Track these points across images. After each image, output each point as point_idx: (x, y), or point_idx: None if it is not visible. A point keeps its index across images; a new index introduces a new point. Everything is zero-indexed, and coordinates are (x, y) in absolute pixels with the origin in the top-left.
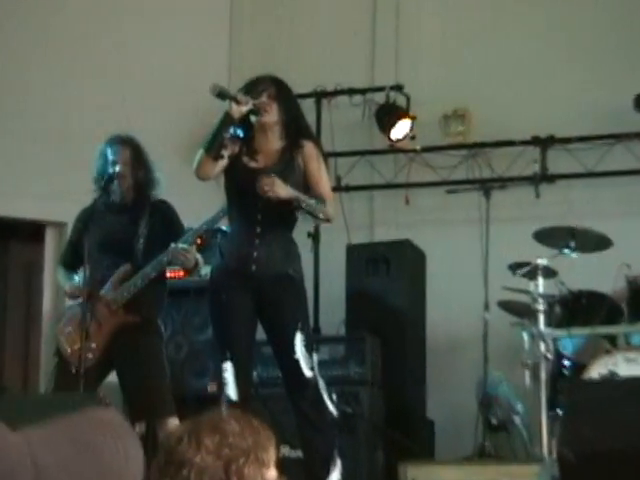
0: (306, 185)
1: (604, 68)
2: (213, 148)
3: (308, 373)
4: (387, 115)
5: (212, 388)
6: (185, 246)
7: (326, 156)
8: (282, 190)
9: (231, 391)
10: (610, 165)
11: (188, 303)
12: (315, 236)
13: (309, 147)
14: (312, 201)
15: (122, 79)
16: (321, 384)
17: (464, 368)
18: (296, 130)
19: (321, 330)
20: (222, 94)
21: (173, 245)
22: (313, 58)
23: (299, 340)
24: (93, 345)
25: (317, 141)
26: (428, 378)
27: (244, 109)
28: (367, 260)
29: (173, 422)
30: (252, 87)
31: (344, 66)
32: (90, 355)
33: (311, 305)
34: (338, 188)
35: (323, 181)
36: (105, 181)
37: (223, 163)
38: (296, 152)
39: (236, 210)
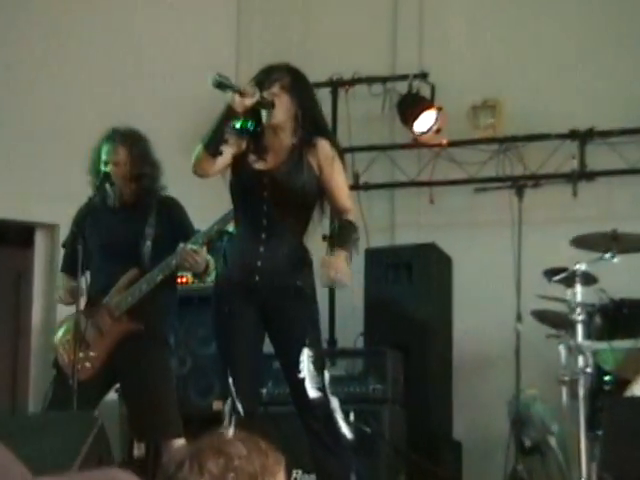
0: (320, 188)
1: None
2: (212, 144)
3: (313, 394)
4: (410, 106)
5: (218, 406)
6: (195, 247)
7: (343, 153)
8: (347, 274)
9: (239, 407)
10: None
11: (192, 313)
12: (331, 239)
13: (323, 146)
14: (353, 243)
15: (123, 71)
16: (334, 403)
17: (494, 385)
18: (310, 127)
19: (337, 343)
20: (222, 85)
21: (182, 245)
22: (329, 43)
23: (306, 357)
24: (93, 354)
25: (333, 139)
26: (454, 396)
27: (248, 102)
28: (388, 266)
29: (179, 444)
30: (265, 76)
31: (363, 52)
32: (88, 364)
33: (327, 316)
34: (356, 186)
35: (342, 190)
36: (99, 181)
37: (224, 160)
38: (308, 151)
39: (240, 214)
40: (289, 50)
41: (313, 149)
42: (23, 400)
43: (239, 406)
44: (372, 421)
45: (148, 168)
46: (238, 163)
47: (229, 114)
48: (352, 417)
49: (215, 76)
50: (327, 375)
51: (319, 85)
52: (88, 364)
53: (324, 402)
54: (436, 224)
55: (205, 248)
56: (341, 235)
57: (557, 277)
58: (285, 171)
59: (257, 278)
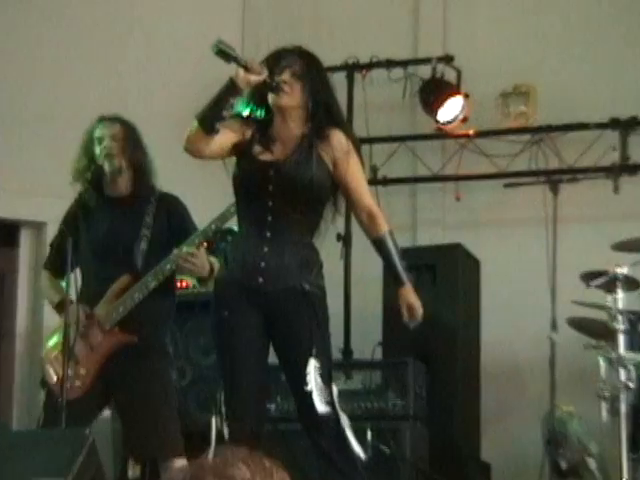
0: (333, 184)
1: None
2: (207, 119)
3: (322, 408)
4: (433, 93)
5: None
6: (191, 249)
7: (359, 145)
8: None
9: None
10: None
11: (192, 320)
12: (346, 239)
13: (338, 138)
14: (401, 260)
15: (117, 62)
16: (344, 420)
17: (526, 400)
18: (323, 116)
19: (353, 353)
20: (224, 53)
21: (176, 249)
22: (344, 23)
23: (313, 368)
24: (82, 371)
25: (348, 130)
26: (482, 412)
27: (253, 79)
28: (409, 268)
29: (180, 464)
30: (275, 61)
31: (381, 33)
32: (78, 383)
33: (342, 324)
34: (374, 181)
35: (363, 187)
36: (92, 170)
37: (221, 143)
38: (319, 142)
39: (243, 209)
40: (300, 30)
41: (326, 141)
42: (6, 410)
43: (225, 429)
44: (391, 440)
45: (143, 153)
46: (241, 154)
47: (230, 89)
48: (369, 436)
49: (217, 42)
50: (335, 389)
51: (333, 69)
52: (78, 382)
53: (333, 418)
54: (462, 223)
55: (203, 249)
56: (400, 259)
57: (596, 281)
58: (293, 162)
59: (260, 280)
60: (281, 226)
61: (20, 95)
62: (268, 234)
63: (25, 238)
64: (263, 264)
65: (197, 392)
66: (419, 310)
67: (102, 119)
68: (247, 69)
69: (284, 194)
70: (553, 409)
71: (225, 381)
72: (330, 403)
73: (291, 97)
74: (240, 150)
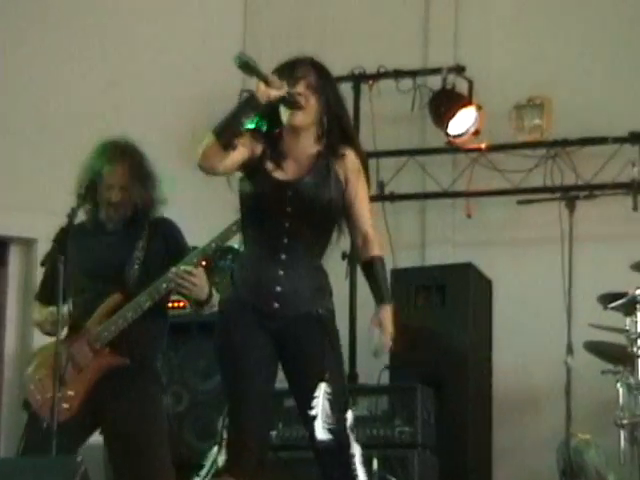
0: (344, 204)
1: None
2: (225, 133)
3: (322, 435)
4: (444, 104)
5: None
6: (188, 268)
7: (367, 164)
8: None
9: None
10: None
11: (189, 343)
12: (352, 258)
13: (351, 157)
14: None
15: (113, 73)
16: (355, 449)
17: (541, 428)
18: (338, 133)
19: (358, 378)
20: (249, 67)
21: (174, 268)
22: (351, 31)
23: (322, 393)
24: (70, 393)
25: (358, 145)
26: (495, 440)
27: (273, 94)
28: (417, 288)
29: None
30: (288, 71)
31: (390, 42)
32: (66, 405)
33: (347, 347)
34: (381, 197)
35: (366, 210)
36: (93, 205)
37: (235, 159)
38: (335, 162)
39: (255, 229)
40: (304, 39)
41: (340, 160)
42: None
43: (221, 457)
44: (399, 469)
45: (147, 190)
46: (254, 171)
47: (250, 104)
48: (375, 464)
49: (239, 55)
50: (350, 416)
51: (339, 79)
52: (65, 405)
53: (336, 446)
54: (473, 241)
55: (202, 269)
56: (385, 282)
57: (614, 303)
58: (311, 183)
59: (276, 305)
60: (296, 248)
61: (11, 109)
62: (283, 256)
63: (14, 255)
64: (279, 288)
65: (194, 419)
66: (389, 334)
67: (109, 158)
68: (267, 83)
69: (302, 215)
70: (569, 437)
71: (230, 405)
72: (335, 431)
73: (307, 114)
74: (250, 166)
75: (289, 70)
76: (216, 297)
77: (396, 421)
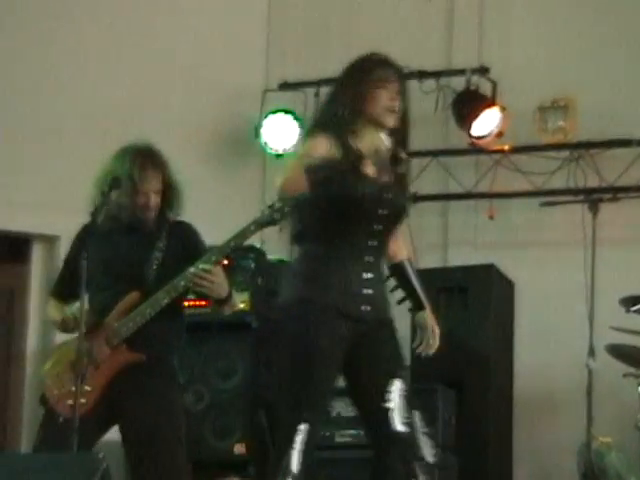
0: None
1: None
2: (318, 175)
3: (400, 427)
4: (467, 105)
5: (239, 449)
6: (206, 266)
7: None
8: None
9: (295, 461)
10: None
11: (211, 342)
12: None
13: (407, 162)
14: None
15: (136, 65)
16: (419, 450)
17: (562, 430)
18: (403, 136)
19: None
20: None
21: (192, 267)
22: (373, 31)
23: (397, 389)
24: (87, 388)
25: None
26: (515, 442)
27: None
28: (439, 290)
29: None
30: (399, 81)
31: (414, 42)
32: (83, 400)
33: None
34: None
35: None
36: (117, 206)
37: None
38: (399, 164)
39: (339, 230)
40: (329, 40)
41: (404, 163)
42: (15, 437)
43: (300, 460)
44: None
45: (171, 195)
46: (344, 172)
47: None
48: None
49: None
50: (419, 417)
51: None
52: (82, 400)
53: (409, 440)
54: (496, 243)
55: (220, 268)
56: (420, 283)
57: (637, 306)
58: (398, 185)
59: (367, 308)
60: (379, 251)
61: (32, 108)
62: (370, 259)
63: (37, 253)
64: (369, 291)
65: (214, 418)
66: (438, 336)
67: (143, 163)
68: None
69: (391, 219)
70: (590, 440)
71: (296, 409)
72: (410, 425)
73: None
74: (346, 163)
75: (399, 79)
76: (237, 296)
77: None
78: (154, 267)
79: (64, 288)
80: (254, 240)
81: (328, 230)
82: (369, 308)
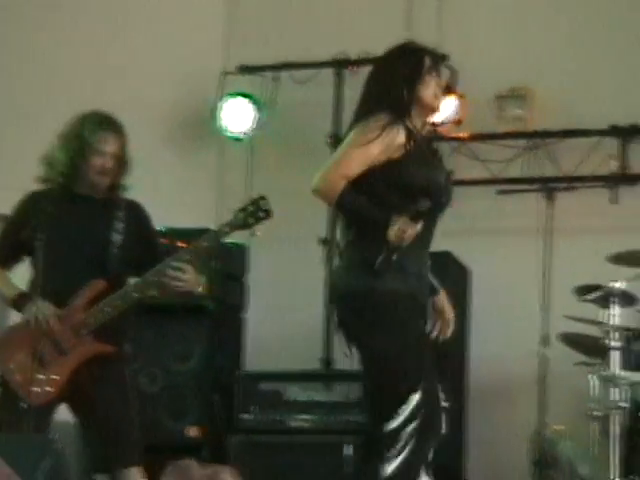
0: None
1: None
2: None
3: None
4: None
5: (193, 432)
6: (180, 265)
7: None
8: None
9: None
10: None
11: (168, 325)
12: (329, 243)
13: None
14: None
15: (94, 49)
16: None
17: (514, 419)
18: None
19: (334, 364)
20: None
21: (161, 264)
22: (332, 16)
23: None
24: (54, 377)
25: None
26: (469, 430)
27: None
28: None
29: (135, 475)
30: (433, 61)
31: (373, 29)
32: (49, 389)
33: (320, 330)
34: None
35: None
36: (70, 167)
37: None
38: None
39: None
40: (287, 24)
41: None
42: None
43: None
44: None
45: (125, 170)
46: (425, 157)
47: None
48: (350, 451)
49: None
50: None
51: (321, 65)
52: (49, 388)
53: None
54: (454, 230)
55: (192, 267)
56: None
57: (591, 296)
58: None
59: (426, 295)
60: (431, 239)
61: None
62: (429, 247)
63: None
64: (432, 282)
65: (168, 400)
66: (452, 320)
67: (103, 126)
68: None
69: (445, 207)
70: (542, 428)
71: (413, 381)
72: None
73: None
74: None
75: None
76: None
77: None
78: (115, 251)
79: (6, 254)
80: (210, 223)
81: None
82: (426, 293)
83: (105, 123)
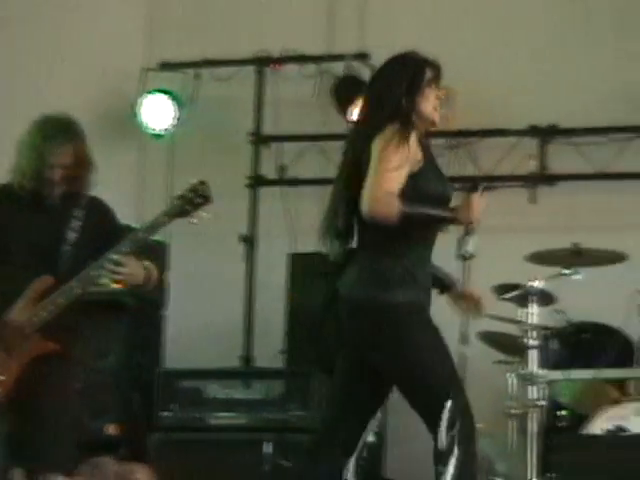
0: None
1: (621, 48)
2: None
3: None
4: (347, 91)
5: (112, 430)
6: (118, 257)
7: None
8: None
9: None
10: (626, 165)
11: (87, 322)
12: (249, 241)
13: None
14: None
15: (14, 46)
16: None
17: None
18: None
19: (254, 361)
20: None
21: (105, 258)
22: (254, 13)
23: None
24: (2, 378)
25: None
26: (388, 426)
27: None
28: (315, 274)
29: None
30: (432, 73)
31: (295, 26)
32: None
33: (241, 328)
34: (281, 181)
35: None
36: (34, 183)
37: None
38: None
39: (425, 229)
40: (208, 22)
41: None
42: None
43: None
44: (292, 453)
45: (86, 170)
46: (427, 171)
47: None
48: (270, 448)
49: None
50: None
51: (242, 62)
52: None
53: None
54: None
55: (133, 257)
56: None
57: (509, 294)
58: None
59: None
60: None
61: None
62: (431, 258)
63: None
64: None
65: (87, 398)
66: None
67: (53, 135)
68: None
69: None
70: None
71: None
72: None
73: None
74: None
75: (435, 75)
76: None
77: (290, 405)
78: (68, 247)
79: None
80: (131, 220)
81: (411, 228)
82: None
83: (58, 133)
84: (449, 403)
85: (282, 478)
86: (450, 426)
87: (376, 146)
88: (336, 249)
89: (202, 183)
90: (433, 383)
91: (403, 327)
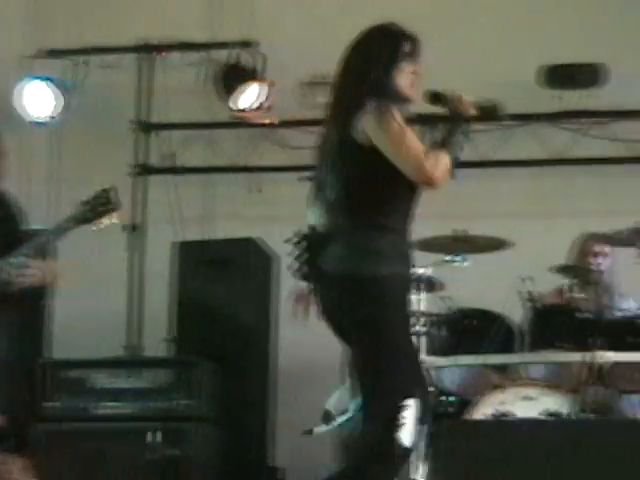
0: None
1: (505, 35)
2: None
3: None
4: (230, 79)
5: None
6: (20, 261)
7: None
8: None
9: (406, 435)
10: (509, 152)
11: None
12: (134, 229)
13: None
14: None
15: None
16: None
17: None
18: None
19: (143, 350)
20: (439, 97)
21: (5, 261)
22: (141, 1)
23: None
24: None
25: None
26: (279, 415)
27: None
28: (201, 262)
29: None
30: (411, 46)
31: (181, 13)
32: None
33: (126, 319)
34: (171, 169)
35: None
36: None
37: None
38: None
39: (406, 202)
40: (92, 7)
41: None
42: None
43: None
44: (179, 442)
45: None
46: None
47: (460, 124)
48: (157, 437)
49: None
50: None
51: (124, 50)
52: None
53: None
54: (262, 216)
55: (39, 260)
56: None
57: None
58: None
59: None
60: None
61: None
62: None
63: None
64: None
65: None
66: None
67: None
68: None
69: None
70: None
71: (410, 384)
72: None
73: None
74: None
75: (414, 48)
76: None
77: (177, 394)
78: None
79: None
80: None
81: (397, 203)
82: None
83: None
84: (412, 401)
85: (168, 467)
86: (418, 423)
87: (369, 125)
88: (325, 221)
89: (107, 190)
90: (397, 374)
91: (384, 303)
